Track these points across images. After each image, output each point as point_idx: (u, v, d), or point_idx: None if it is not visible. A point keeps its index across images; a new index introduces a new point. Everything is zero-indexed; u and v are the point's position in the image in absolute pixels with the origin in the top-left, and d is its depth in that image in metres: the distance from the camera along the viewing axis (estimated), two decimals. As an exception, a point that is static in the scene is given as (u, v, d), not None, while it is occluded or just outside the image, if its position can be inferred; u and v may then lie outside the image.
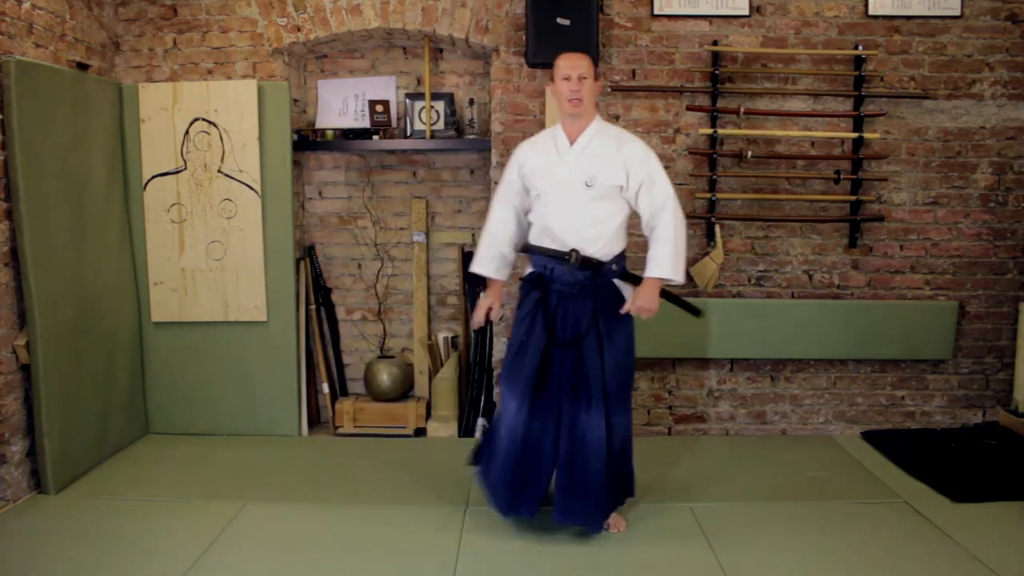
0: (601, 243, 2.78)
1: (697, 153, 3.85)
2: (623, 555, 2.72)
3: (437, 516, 3.03)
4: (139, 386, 3.88)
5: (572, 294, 2.79)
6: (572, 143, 2.80)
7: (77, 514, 3.03)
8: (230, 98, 3.75)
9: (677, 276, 2.76)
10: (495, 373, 4.00)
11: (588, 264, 2.77)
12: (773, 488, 3.30)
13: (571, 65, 2.74)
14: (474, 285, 4.17)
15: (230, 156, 3.77)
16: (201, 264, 3.83)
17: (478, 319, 3.01)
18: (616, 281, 2.83)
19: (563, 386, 2.79)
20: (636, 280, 2.83)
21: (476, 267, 2.97)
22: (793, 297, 3.94)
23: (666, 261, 2.75)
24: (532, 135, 3.84)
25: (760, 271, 3.95)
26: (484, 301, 3.00)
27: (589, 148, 2.78)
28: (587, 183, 2.75)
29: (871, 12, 3.80)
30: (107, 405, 3.59)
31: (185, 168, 3.79)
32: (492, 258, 2.95)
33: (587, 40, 3.63)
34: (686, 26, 3.82)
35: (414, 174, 4.27)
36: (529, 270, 2.93)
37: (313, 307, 4.19)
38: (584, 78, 2.73)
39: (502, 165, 3.88)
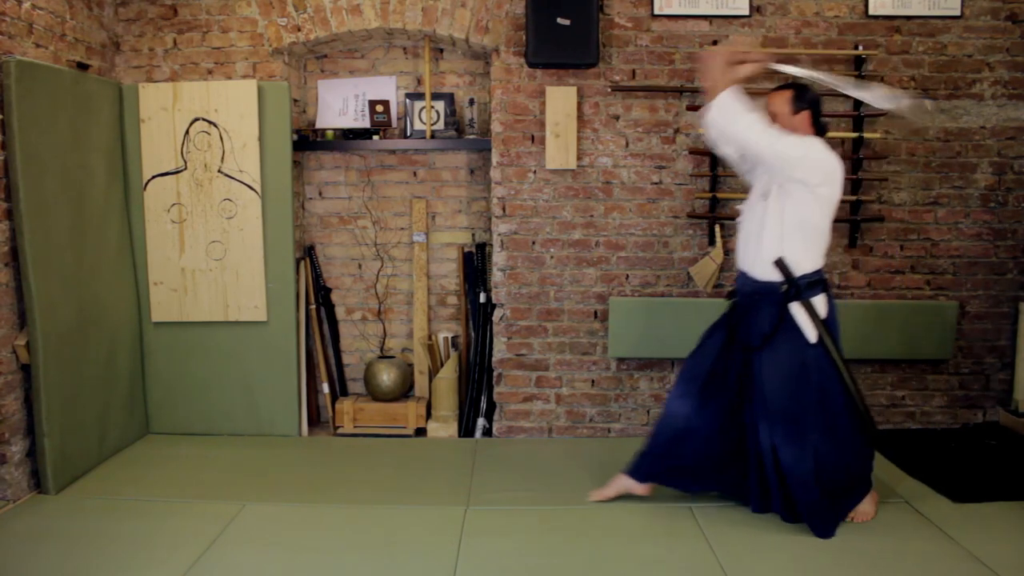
0: (756, 253, 2.88)
1: (697, 153, 3.85)
2: (623, 555, 2.72)
3: (437, 516, 3.03)
4: (139, 386, 3.88)
5: (748, 305, 2.95)
6: None
7: (77, 514, 3.03)
8: (230, 98, 3.74)
9: (722, 99, 2.72)
10: (495, 373, 4.01)
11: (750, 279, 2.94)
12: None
13: (768, 103, 2.88)
14: (473, 285, 4.17)
15: (230, 156, 3.77)
16: (201, 264, 3.83)
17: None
18: (793, 307, 2.84)
19: (736, 388, 2.98)
20: (814, 315, 2.83)
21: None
22: (793, 297, 3.94)
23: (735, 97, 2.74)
24: (532, 135, 3.87)
25: (760, 271, 3.94)
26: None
27: None
28: (764, 195, 2.88)
29: (871, 12, 3.80)
30: (107, 405, 3.59)
31: (185, 168, 3.79)
32: None
33: (587, 40, 3.63)
34: (686, 26, 3.82)
35: (414, 174, 4.27)
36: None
37: (313, 307, 4.19)
38: (776, 115, 2.84)
39: (502, 165, 3.89)
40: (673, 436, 3.03)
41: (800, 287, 2.80)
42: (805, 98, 2.83)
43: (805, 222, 2.79)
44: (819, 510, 2.83)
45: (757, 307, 2.90)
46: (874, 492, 3.01)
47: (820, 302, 2.84)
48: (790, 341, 2.83)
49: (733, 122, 2.72)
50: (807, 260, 2.81)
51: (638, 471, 3.12)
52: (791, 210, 2.78)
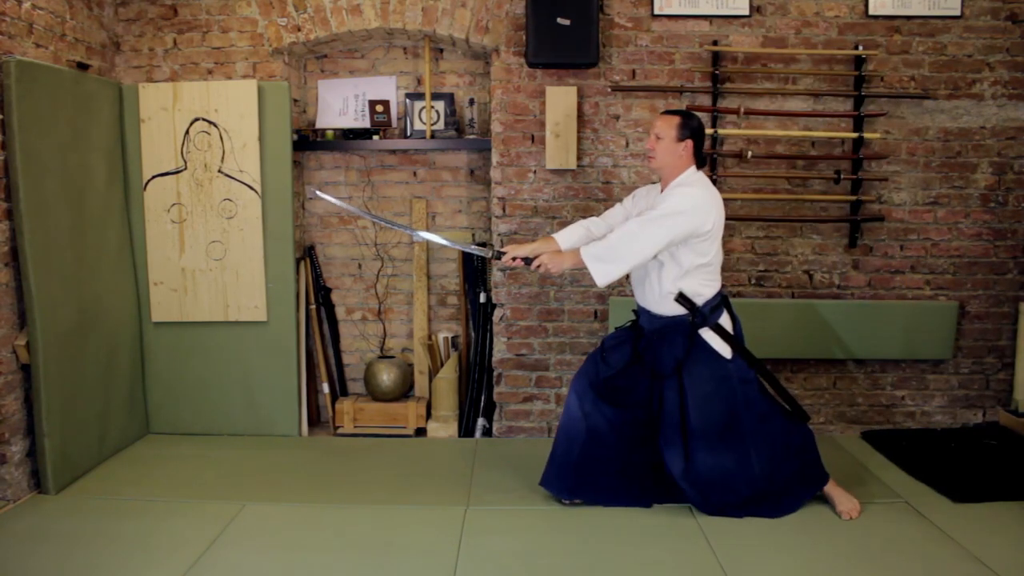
0: (656, 293, 2.91)
1: (697, 153, 3.85)
2: (623, 555, 2.72)
3: (437, 516, 3.03)
4: (139, 386, 3.89)
5: (656, 339, 2.96)
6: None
7: (77, 514, 3.03)
8: (230, 98, 3.74)
9: (591, 266, 2.81)
10: (495, 373, 4.01)
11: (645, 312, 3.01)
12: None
13: (654, 125, 2.90)
14: (473, 285, 4.17)
15: (230, 156, 3.77)
16: (201, 264, 3.83)
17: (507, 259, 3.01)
18: (703, 332, 2.90)
19: (648, 409, 3.02)
20: (724, 334, 2.90)
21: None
22: (793, 297, 3.94)
23: (593, 248, 2.83)
24: (532, 135, 3.87)
25: (760, 271, 3.95)
26: (524, 248, 3.00)
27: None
28: None
29: (871, 12, 3.80)
30: (107, 405, 3.59)
31: (185, 168, 3.79)
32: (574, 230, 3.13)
33: (587, 40, 3.63)
34: (686, 26, 3.82)
35: (414, 174, 4.27)
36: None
37: (313, 307, 4.19)
38: (660, 138, 2.85)
39: (502, 165, 3.89)
40: (587, 439, 3.05)
41: (706, 315, 2.87)
42: (690, 127, 2.86)
43: (701, 260, 2.84)
44: (771, 499, 2.95)
45: (667, 339, 2.94)
46: (837, 484, 3.06)
47: (726, 320, 2.92)
48: (706, 361, 2.90)
49: (622, 264, 2.79)
50: (708, 288, 2.89)
51: (559, 486, 3.12)
52: (686, 253, 2.83)
